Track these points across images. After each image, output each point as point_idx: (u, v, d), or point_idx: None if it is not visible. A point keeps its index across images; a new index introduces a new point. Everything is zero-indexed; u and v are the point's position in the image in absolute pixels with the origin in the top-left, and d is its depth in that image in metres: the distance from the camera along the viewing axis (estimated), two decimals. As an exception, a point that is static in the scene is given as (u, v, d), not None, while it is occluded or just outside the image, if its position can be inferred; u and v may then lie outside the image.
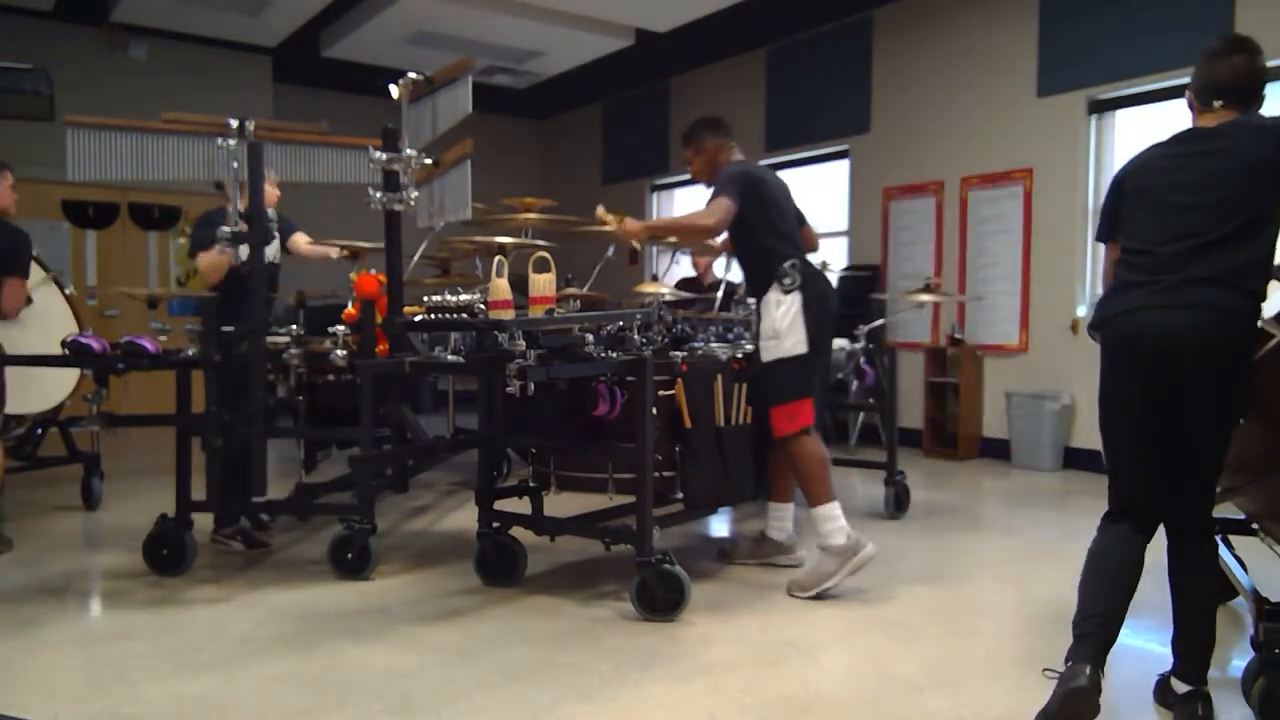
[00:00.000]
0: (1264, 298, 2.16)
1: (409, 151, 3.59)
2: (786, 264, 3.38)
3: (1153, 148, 2.36)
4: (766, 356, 3.39)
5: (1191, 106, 2.37)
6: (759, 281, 3.49)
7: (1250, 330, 2.13)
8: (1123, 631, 3.05)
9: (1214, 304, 2.10)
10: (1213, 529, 2.28)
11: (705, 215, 3.39)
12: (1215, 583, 2.34)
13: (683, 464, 3.32)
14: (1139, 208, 2.29)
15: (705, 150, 3.65)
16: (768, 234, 3.43)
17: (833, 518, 3.28)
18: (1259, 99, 2.29)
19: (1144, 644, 2.95)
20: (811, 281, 3.41)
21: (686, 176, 9.28)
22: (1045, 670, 2.26)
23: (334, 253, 4.23)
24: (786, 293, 3.37)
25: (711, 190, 3.48)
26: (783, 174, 8.96)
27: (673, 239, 4.03)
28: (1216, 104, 2.28)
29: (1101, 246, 2.48)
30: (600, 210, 3.60)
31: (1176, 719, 2.26)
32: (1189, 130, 2.33)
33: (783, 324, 3.35)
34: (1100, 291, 2.48)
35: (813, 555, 3.42)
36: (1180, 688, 2.27)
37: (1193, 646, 2.27)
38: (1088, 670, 2.13)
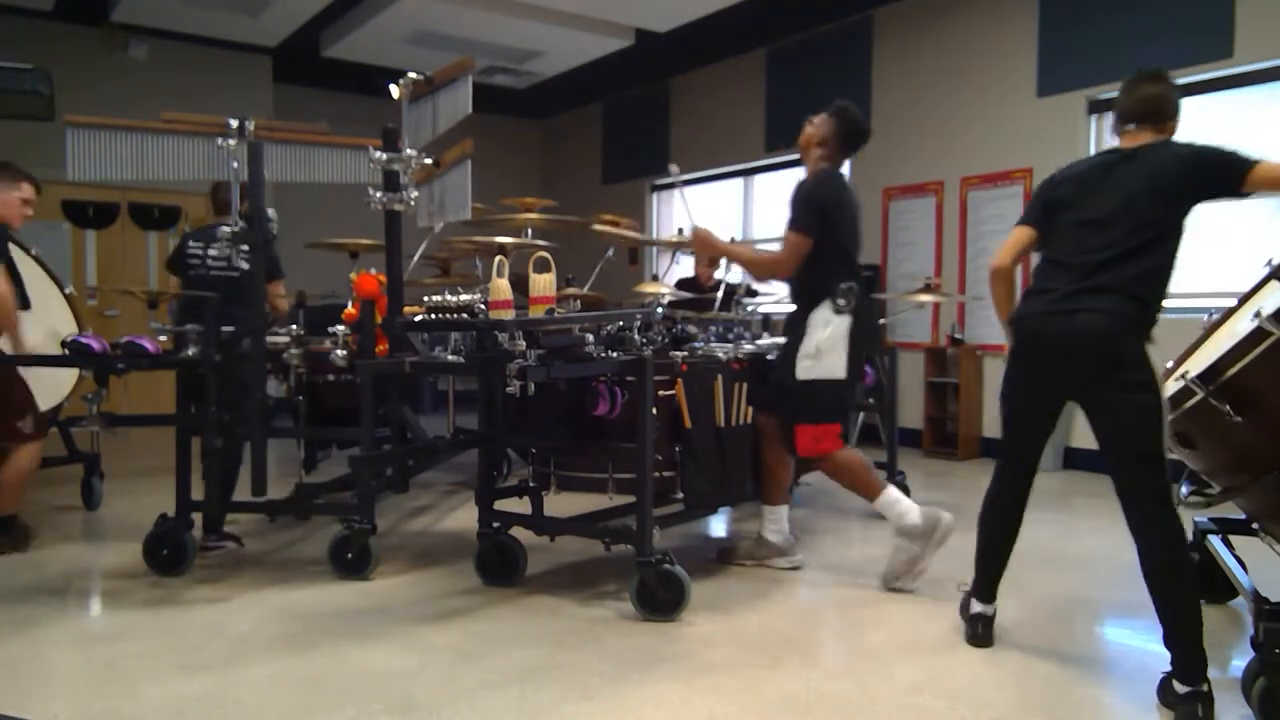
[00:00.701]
0: (1158, 300, 2.45)
1: (409, 151, 3.59)
2: (844, 285, 3.34)
3: (1079, 164, 2.69)
4: (802, 374, 3.35)
5: (1115, 129, 2.68)
6: (809, 296, 3.42)
7: (1138, 329, 2.41)
8: (1123, 631, 3.07)
9: (1105, 309, 2.39)
10: (1168, 506, 2.38)
11: (780, 256, 3.37)
12: (1186, 564, 2.37)
13: (683, 464, 3.32)
14: (1061, 222, 2.61)
15: (822, 130, 3.54)
16: (834, 253, 3.38)
17: (896, 501, 3.30)
18: (1170, 120, 2.63)
19: (1143, 644, 2.95)
20: (862, 308, 3.40)
21: (686, 176, 9.31)
22: (959, 584, 2.92)
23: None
24: (838, 313, 3.34)
25: (796, 202, 3.41)
26: (782, 174, 8.93)
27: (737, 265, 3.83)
28: (1130, 127, 2.61)
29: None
30: (678, 234, 3.55)
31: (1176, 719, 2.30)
32: (1111, 151, 2.63)
33: (826, 344, 3.33)
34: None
35: (892, 543, 3.40)
36: (1180, 689, 2.29)
37: (1180, 644, 2.32)
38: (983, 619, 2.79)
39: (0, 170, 3.95)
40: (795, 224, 3.38)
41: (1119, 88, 2.68)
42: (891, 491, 3.36)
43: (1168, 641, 2.33)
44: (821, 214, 3.38)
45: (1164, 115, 2.61)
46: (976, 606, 2.81)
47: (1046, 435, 2.68)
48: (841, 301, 3.33)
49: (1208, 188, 2.50)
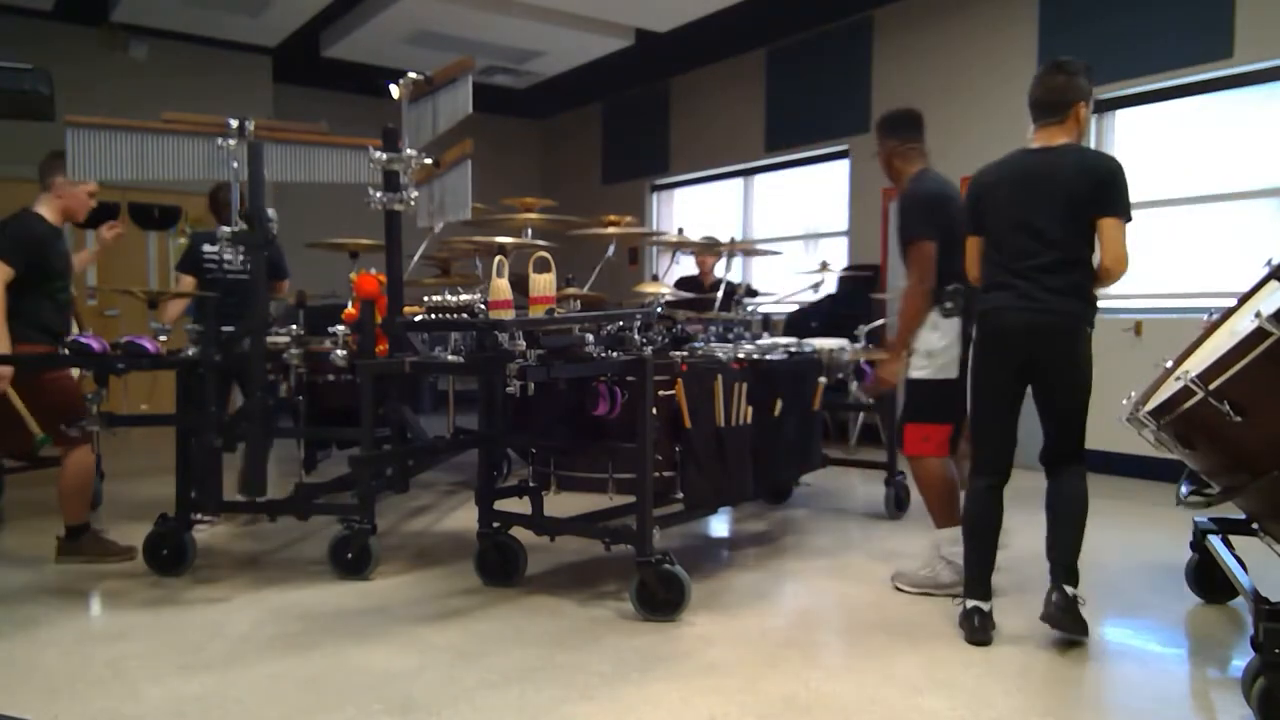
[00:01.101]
0: (1093, 291, 2.84)
1: (409, 151, 3.59)
2: (949, 288, 3.31)
3: (1002, 165, 2.99)
4: (914, 373, 3.39)
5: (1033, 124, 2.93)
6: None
7: (1083, 320, 2.82)
8: (1124, 632, 3.07)
9: (1060, 309, 2.78)
10: (1083, 456, 2.89)
11: (916, 281, 3.30)
12: (1086, 498, 2.86)
13: (683, 464, 3.32)
14: (997, 220, 2.91)
15: (882, 152, 3.58)
16: (939, 255, 3.33)
17: (955, 541, 3.19)
18: (1073, 111, 2.86)
19: (1143, 644, 2.95)
20: (972, 309, 3.26)
21: (686, 176, 9.35)
22: (955, 599, 2.98)
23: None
24: (945, 316, 3.33)
25: (900, 215, 3.41)
26: (782, 174, 8.92)
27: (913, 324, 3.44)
28: (1040, 121, 2.90)
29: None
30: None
31: (1044, 612, 2.77)
32: (1028, 154, 2.91)
33: (938, 346, 3.33)
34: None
35: (929, 555, 3.41)
36: (1049, 586, 2.80)
37: (1064, 554, 2.80)
38: (980, 615, 2.83)
39: (49, 167, 3.87)
40: (910, 234, 3.35)
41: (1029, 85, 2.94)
42: (956, 532, 3.19)
43: (1050, 553, 2.83)
44: (928, 215, 3.37)
45: (1066, 106, 2.86)
46: (972, 603, 2.85)
47: (1015, 422, 2.91)
48: (949, 304, 3.33)
49: (1093, 208, 2.79)
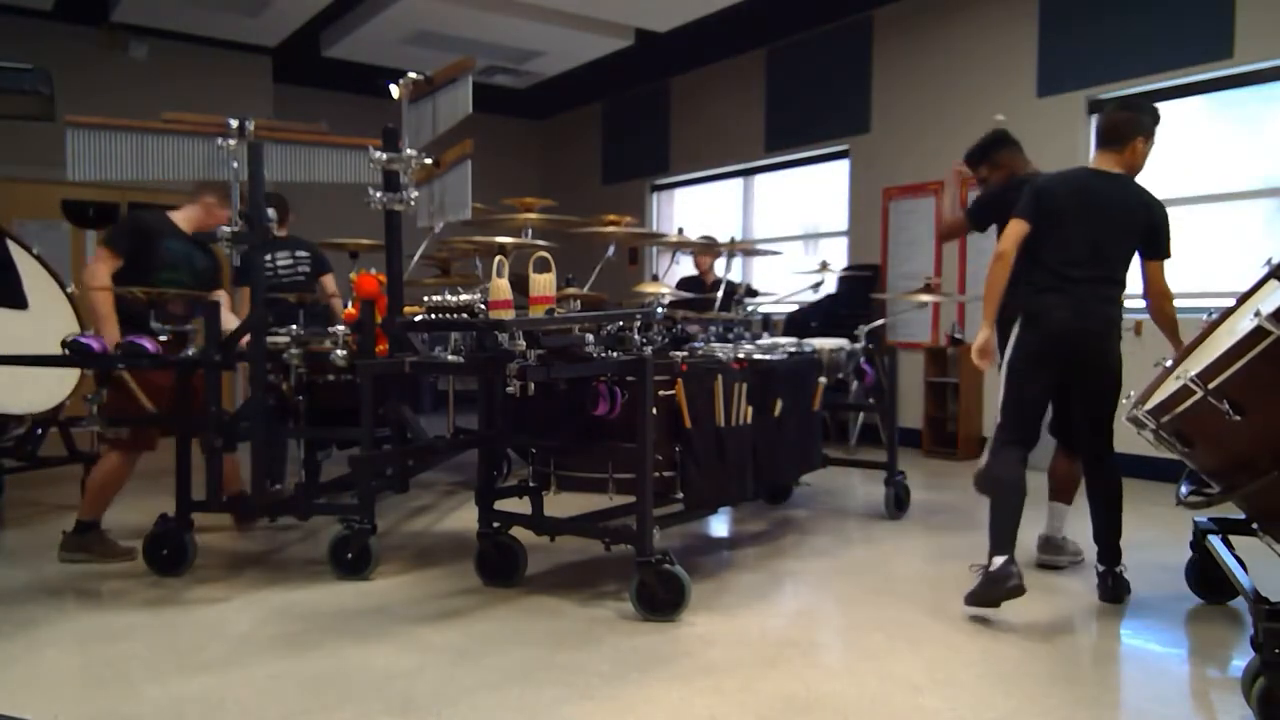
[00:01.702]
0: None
1: (409, 151, 3.59)
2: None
3: (1070, 178, 3.29)
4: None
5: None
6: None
7: (1120, 329, 3.32)
8: (1124, 632, 3.07)
9: (1107, 317, 3.24)
10: (1112, 451, 3.37)
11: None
12: (1121, 487, 3.35)
13: (683, 464, 3.32)
14: (1058, 228, 3.21)
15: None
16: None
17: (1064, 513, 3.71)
18: (1131, 144, 3.27)
19: (1145, 643, 2.95)
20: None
21: (686, 176, 9.36)
22: (971, 565, 3.16)
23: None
24: None
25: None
26: (783, 174, 8.93)
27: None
28: (1103, 147, 3.29)
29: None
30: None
31: (1102, 593, 3.25)
32: (1100, 174, 3.28)
33: None
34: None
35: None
36: (1099, 568, 3.28)
37: (1109, 536, 3.28)
38: (1015, 566, 3.01)
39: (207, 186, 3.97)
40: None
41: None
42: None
43: (1097, 538, 3.30)
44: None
45: (1126, 138, 3.26)
46: (999, 560, 2.99)
47: (1046, 409, 3.38)
48: None
49: (1147, 247, 3.28)
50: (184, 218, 4.01)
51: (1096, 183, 3.25)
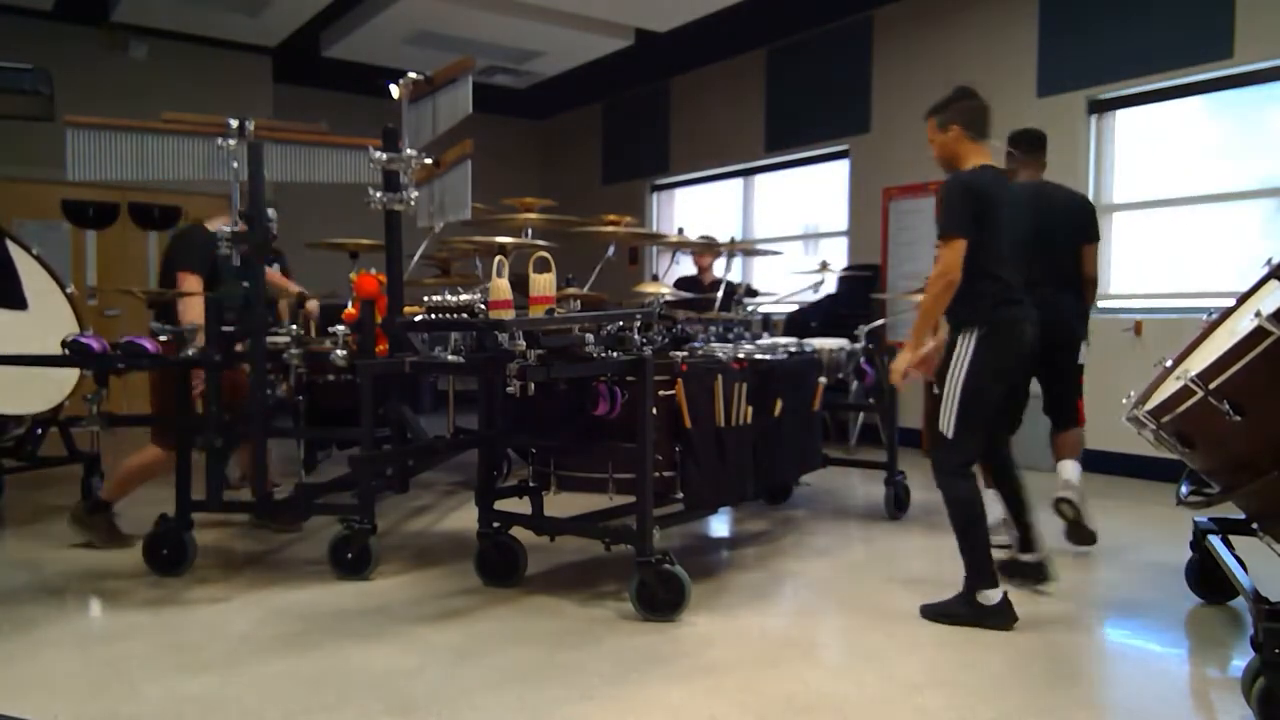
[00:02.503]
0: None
1: (409, 151, 3.59)
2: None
3: (997, 185, 3.08)
4: (1081, 359, 3.88)
5: (964, 140, 3.27)
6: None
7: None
8: (1124, 632, 3.07)
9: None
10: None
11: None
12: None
13: (683, 464, 3.32)
14: (1000, 236, 3.00)
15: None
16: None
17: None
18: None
19: (1144, 643, 2.96)
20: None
21: (686, 176, 9.35)
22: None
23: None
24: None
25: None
26: (783, 174, 8.91)
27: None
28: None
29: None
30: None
31: (1024, 577, 3.31)
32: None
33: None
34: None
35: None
36: (1027, 558, 3.32)
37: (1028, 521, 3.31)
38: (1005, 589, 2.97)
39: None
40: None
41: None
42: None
43: (1018, 522, 3.35)
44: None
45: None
46: (996, 596, 2.93)
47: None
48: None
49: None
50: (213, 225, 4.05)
51: (1028, 189, 3.40)
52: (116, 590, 3.35)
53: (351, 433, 3.92)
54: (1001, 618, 2.91)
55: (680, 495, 3.38)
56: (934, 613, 3.00)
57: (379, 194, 3.62)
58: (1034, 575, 3.33)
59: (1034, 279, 3.29)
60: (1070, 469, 3.86)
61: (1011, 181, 3.64)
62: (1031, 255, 3.30)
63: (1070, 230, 3.84)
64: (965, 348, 2.96)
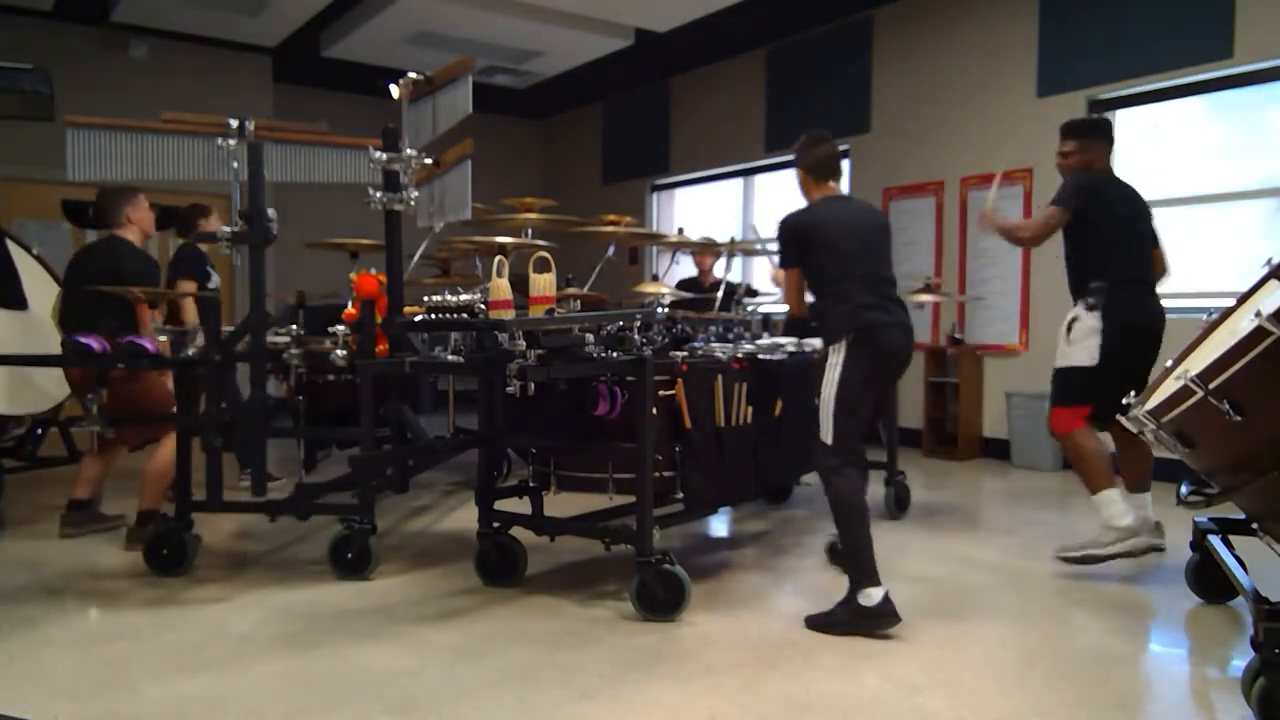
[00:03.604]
0: None
1: (409, 151, 3.59)
2: (1095, 284, 3.57)
3: (824, 208, 3.27)
4: (1058, 362, 3.69)
5: (817, 180, 3.33)
6: (1073, 291, 3.75)
7: None
8: (1125, 631, 3.06)
9: (909, 323, 3.21)
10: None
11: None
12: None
13: (683, 464, 3.32)
14: (840, 250, 3.15)
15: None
16: (1093, 250, 3.65)
17: (1113, 502, 3.52)
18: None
19: (1143, 644, 2.95)
20: (1119, 306, 3.54)
21: (686, 176, 9.35)
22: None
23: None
24: (1088, 310, 3.58)
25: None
26: (782, 174, 8.90)
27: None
28: (834, 179, 3.34)
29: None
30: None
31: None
32: (843, 197, 3.38)
33: (1076, 336, 3.61)
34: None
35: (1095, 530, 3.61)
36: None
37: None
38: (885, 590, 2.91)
39: (117, 193, 4.09)
40: (1054, 199, 3.70)
41: (808, 146, 3.33)
42: (1114, 493, 3.54)
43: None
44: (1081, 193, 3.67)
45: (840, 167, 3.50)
46: (879, 594, 2.88)
47: None
48: (1092, 300, 3.58)
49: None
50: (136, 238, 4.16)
51: (852, 206, 3.36)
52: (116, 590, 3.35)
53: (351, 433, 3.92)
54: (879, 619, 2.86)
55: (680, 495, 3.38)
56: (820, 625, 2.92)
57: (379, 194, 3.62)
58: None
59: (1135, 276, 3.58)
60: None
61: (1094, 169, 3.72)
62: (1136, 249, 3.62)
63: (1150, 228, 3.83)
64: (836, 356, 3.09)
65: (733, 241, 4.49)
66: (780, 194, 8.54)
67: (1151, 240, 3.76)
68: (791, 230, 3.25)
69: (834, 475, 3.03)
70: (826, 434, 3.05)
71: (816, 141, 3.35)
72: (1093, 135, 3.81)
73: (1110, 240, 3.60)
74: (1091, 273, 3.60)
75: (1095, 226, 3.61)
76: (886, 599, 2.87)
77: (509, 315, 2.87)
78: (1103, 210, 3.61)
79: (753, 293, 4.67)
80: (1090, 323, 3.56)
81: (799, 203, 3.40)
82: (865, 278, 3.13)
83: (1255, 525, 2.77)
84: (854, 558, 2.95)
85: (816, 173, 3.33)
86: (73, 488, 4.08)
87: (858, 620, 2.88)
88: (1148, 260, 3.72)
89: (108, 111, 3.78)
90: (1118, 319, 3.53)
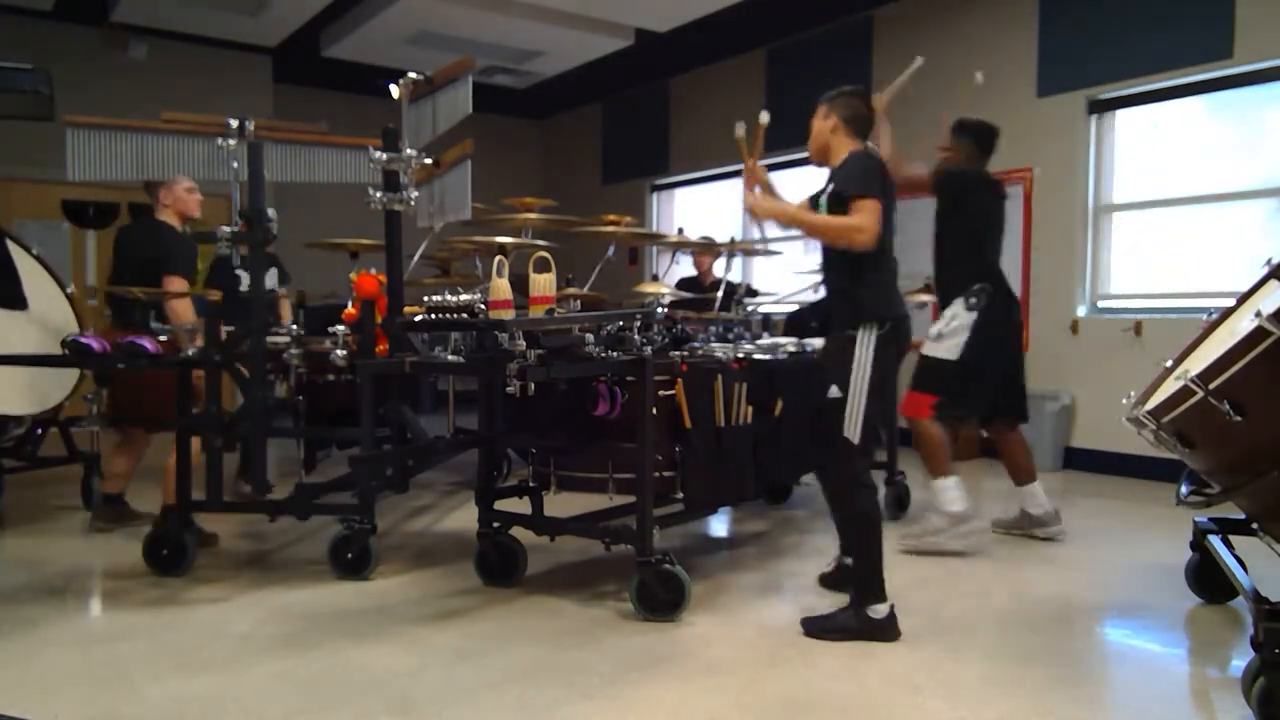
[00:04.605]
0: None
1: (409, 151, 3.59)
2: (977, 286, 3.84)
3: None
4: (925, 350, 3.89)
5: (843, 134, 3.16)
6: (947, 289, 3.97)
7: None
8: (1124, 632, 3.07)
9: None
10: None
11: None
12: None
13: (683, 464, 3.32)
14: (889, 221, 2.91)
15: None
16: (973, 253, 3.94)
17: (949, 489, 3.81)
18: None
19: (1144, 644, 2.96)
20: (995, 310, 3.83)
21: (686, 176, 9.35)
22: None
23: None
24: (967, 310, 3.83)
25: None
26: (782, 174, 8.93)
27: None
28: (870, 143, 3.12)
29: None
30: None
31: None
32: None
33: (947, 331, 3.86)
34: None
35: (933, 518, 3.89)
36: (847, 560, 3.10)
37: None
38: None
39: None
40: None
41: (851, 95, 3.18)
42: (951, 481, 3.85)
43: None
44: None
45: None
46: (884, 609, 2.84)
47: None
48: (973, 300, 3.82)
49: None
50: (173, 219, 4.17)
51: None
52: (116, 590, 3.35)
53: (351, 433, 3.92)
54: (888, 632, 2.83)
55: (680, 495, 3.38)
56: (819, 628, 2.86)
57: (379, 194, 3.62)
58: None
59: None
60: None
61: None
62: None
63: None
64: (867, 343, 2.83)
65: (733, 241, 4.48)
66: (780, 194, 8.54)
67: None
68: (880, 167, 2.95)
69: (858, 487, 2.86)
70: (854, 430, 2.79)
71: (857, 94, 3.20)
72: (974, 135, 4.16)
73: (987, 242, 3.87)
74: (971, 272, 3.84)
75: (969, 221, 3.88)
76: (892, 612, 2.84)
77: (509, 315, 2.87)
78: (977, 209, 3.90)
79: (753, 293, 4.67)
80: (965, 320, 3.79)
81: (801, 203, 3.35)
82: (894, 260, 2.96)
83: (1255, 525, 2.77)
84: (871, 573, 2.85)
85: (854, 125, 3.14)
86: (103, 483, 4.10)
87: (867, 632, 2.82)
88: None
89: (108, 111, 3.78)
90: (989, 321, 3.79)
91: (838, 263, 2.93)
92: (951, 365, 3.79)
